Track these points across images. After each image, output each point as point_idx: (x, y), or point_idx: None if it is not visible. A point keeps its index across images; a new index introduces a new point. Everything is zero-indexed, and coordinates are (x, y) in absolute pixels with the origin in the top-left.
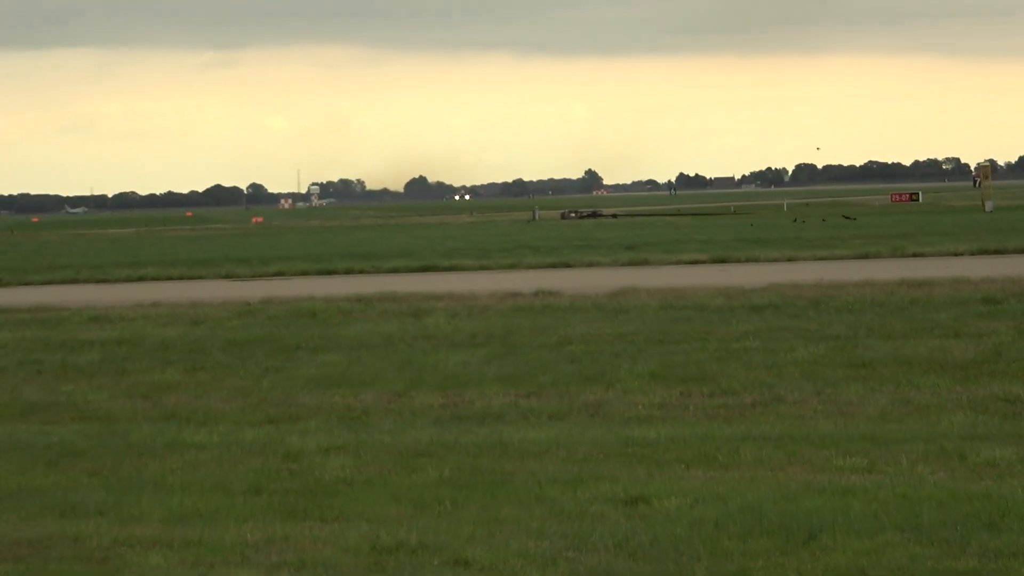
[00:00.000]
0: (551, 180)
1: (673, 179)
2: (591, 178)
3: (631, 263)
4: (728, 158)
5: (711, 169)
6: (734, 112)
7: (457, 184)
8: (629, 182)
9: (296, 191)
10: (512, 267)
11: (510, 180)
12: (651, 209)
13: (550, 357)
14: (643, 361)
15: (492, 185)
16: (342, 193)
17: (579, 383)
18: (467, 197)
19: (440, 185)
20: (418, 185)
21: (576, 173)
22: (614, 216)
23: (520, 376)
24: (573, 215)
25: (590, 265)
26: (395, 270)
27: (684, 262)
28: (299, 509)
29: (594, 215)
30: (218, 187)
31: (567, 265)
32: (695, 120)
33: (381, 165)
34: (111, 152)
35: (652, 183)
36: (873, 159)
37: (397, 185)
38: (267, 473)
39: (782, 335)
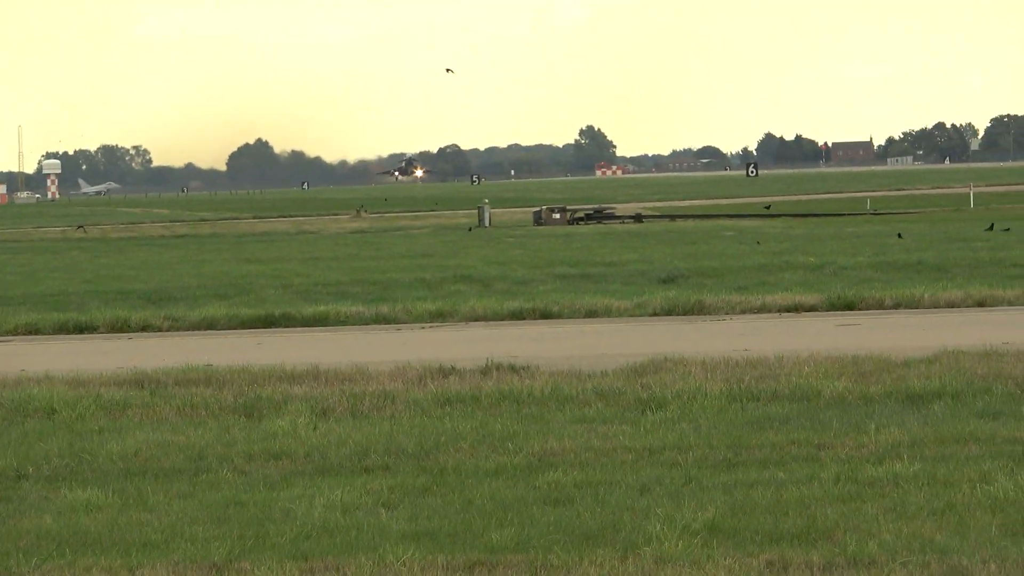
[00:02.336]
0: (514, 149)
1: (752, 147)
2: (593, 145)
3: (670, 311)
4: (860, 108)
5: (826, 128)
6: (870, 13)
7: (329, 157)
8: (666, 152)
9: (15, 170)
10: (439, 319)
11: (433, 149)
12: (709, 206)
13: (513, 495)
14: (694, 502)
15: (396, 157)
16: (109, 173)
17: (572, 545)
18: (417, 174)
19: (297, 158)
20: (254, 158)
21: (564, 136)
22: (636, 219)
23: (454, 532)
24: (558, 215)
25: (590, 315)
26: (211, 325)
27: (773, 308)
28: None
29: (599, 216)
30: None
31: (546, 315)
32: (794, 32)
33: (181, 122)
34: None
35: (711, 154)
36: None
37: (212, 159)
38: None
39: (964, 452)
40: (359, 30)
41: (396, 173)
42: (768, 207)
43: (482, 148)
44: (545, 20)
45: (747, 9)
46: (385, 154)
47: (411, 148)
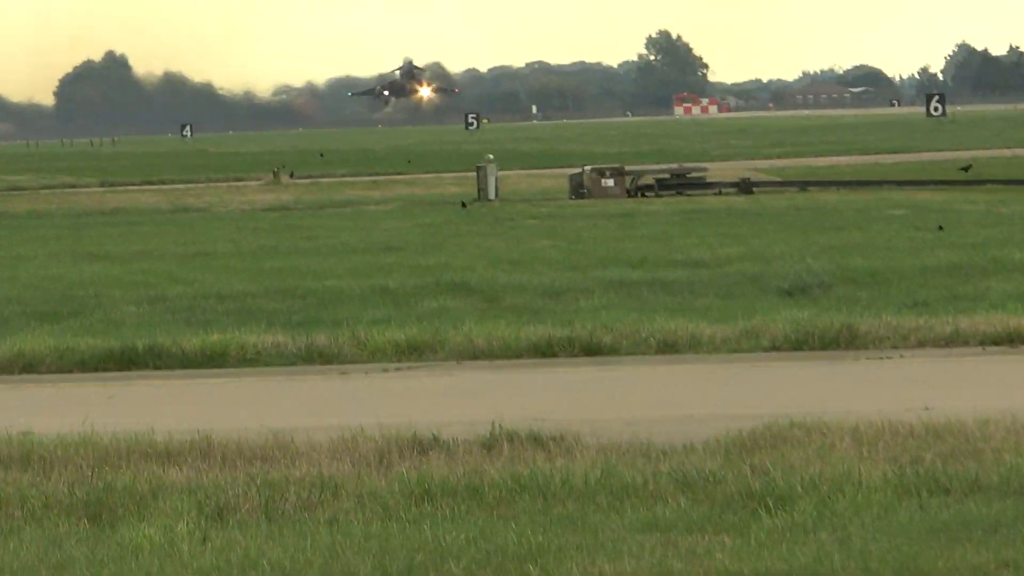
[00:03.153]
0: (539, 70)
1: (937, 68)
2: (671, 65)
3: (800, 344)
4: None
5: None
6: None
7: (227, 85)
8: (791, 76)
9: None
10: (412, 356)
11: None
12: (864, 165)
13: None
14: None
15: (340, 83)
16: None
17: None
18: (423, 94)
19: (172, 86)
20: (101, 86)
21: (622, 51)
22: (742, 187)
23: None
24: (612, 182)
25: (666, 350)
26: (29, 365)
27: (972, 339)
28: None
29: (680, 183)
30: None
31: (592, 350)
32: None
33: None
34: None
35: (868, 80)
36: None
37: (32, 87)
38: None
39: None
40: None
41: (384, 93)
42: (966, 168)
43: (483, 69)
44: None
45: None
46: (322, 79)
47: (365, 70)
